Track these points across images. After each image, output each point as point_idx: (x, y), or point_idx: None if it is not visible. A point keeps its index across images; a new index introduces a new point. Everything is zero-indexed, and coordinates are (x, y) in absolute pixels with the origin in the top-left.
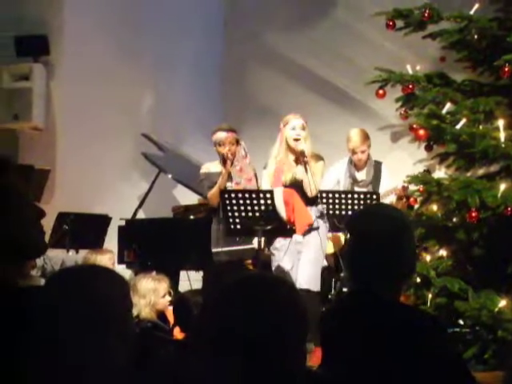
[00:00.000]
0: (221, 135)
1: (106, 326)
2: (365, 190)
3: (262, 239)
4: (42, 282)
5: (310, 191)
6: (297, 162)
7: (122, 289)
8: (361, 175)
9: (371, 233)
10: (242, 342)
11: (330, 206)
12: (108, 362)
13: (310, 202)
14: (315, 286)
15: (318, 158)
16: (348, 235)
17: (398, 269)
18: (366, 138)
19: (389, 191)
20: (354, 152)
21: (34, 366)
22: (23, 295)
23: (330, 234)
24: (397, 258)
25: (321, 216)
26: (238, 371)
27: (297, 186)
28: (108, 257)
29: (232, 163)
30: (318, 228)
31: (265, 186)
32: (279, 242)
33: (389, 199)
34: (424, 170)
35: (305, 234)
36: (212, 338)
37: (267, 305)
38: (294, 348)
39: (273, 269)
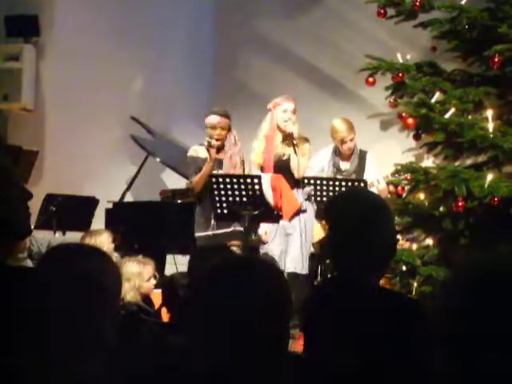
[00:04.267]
0: (213, 119)
1: (99, 303)
2: None
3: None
4: (28, 262)
5: (298, 172)
6: (284, 142)
7: (114, 267)
8: (345, 165)
9: (343, 218)
10: (226, 323)
11: (318, 193)
12: (99, 341)
13: (297, 183)
14: (302, 268)
15: (305, 140)
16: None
17: (374, 252)
18: (351, 125)
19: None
20: (343, 142)
21: (24, 344)
22: (14, 274)
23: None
24: (372, 240)
25: (308, 198)
26: (221, 351)
27: (283, 165)
28: (105, 236)
29: (219, 150)
30: (305, 211)
31: (254, 166)
32: (268, 226)
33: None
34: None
35: (292, 216)
36: (197, 319)
37: (250, 285)
38: (277, 328)
39: (262, 252)
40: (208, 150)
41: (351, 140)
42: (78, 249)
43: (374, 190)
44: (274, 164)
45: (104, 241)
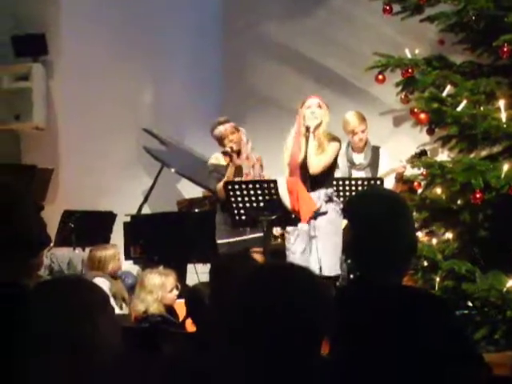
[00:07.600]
0: (220, 129)
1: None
2: (362, 173)
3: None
4: None
5: (311, 168)
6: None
7: (102, 297)
8: (358, 158)
9: (365, 216)
10: (260, 334)
11: (335, 193)
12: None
13: (317, 184)
14: (332, 271)
15: (334, 139)
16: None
17: (396, 250)
18: (363, 118)
19: (388, 172)
20: (354, 133)
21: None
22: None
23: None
24: (394, 239)
25: (329, 200)
26: (254, 363)
27: (304, 164)
28: (112, 252)
29: (239, 154)
30: (326, 213)
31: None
32: (291, 228)
33: (388, 180)
34: (417, 153)
35: (310, 218)
36: (229, 330)
37: (287, 294)
38: (315, 338)
39: (286, 252)
40: (230, 157)
41: (362, 131)
42: (64, 281)
43: (391, 178)
44: (298, 163)
45: (112, 255)
